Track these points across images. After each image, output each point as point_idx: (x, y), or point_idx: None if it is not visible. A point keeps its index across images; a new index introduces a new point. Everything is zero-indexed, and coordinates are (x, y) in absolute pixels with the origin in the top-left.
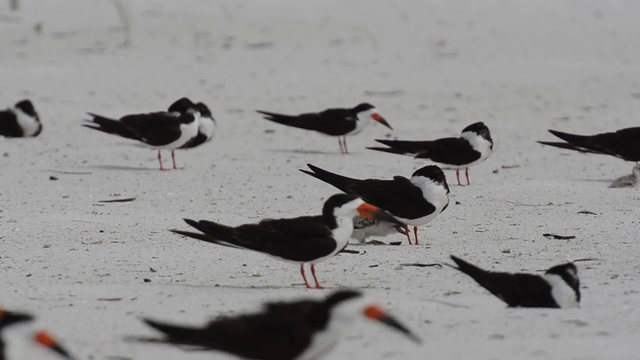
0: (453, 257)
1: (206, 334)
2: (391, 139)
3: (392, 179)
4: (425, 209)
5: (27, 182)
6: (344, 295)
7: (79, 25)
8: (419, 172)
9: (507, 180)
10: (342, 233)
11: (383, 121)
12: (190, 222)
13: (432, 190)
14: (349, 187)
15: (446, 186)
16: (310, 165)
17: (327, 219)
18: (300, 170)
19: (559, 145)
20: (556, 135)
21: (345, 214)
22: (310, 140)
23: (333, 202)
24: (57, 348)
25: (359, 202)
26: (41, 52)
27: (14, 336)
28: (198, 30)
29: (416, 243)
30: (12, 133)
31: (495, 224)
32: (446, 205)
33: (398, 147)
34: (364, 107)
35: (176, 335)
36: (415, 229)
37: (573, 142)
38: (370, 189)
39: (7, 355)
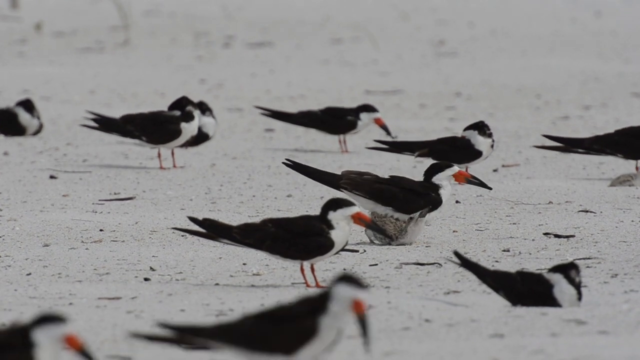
0: (456, 253)
1: (212, 330)
2: (389, 139)
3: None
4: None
5: (27, 181)
6: (342, 278)
7: (79, 25)
8: (438, 169)
9: (507, 179)
10: (339, 235)
11: (385, 128)
12: (193, 219)
13: (447, 191)
14: (341, 184)
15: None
16: (289, 160)
17: (324, 220)
18: (283, 162)
19: (557, 149)
20: (552, 140)
21: (340, 219)
22: (310, 139)
23: (329, 206)
24: (84, 352)
25: (354, 209)
26: (41, 52)
27: (44, 338)
28: (198, 29)
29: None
30: (13, 132)
31: (495, 222)
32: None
33: (397, 147)
34: (368, 108)
35: (182, 333)
36: None
37: (570, 145)
38: (365, 186)
39: (37, 357)
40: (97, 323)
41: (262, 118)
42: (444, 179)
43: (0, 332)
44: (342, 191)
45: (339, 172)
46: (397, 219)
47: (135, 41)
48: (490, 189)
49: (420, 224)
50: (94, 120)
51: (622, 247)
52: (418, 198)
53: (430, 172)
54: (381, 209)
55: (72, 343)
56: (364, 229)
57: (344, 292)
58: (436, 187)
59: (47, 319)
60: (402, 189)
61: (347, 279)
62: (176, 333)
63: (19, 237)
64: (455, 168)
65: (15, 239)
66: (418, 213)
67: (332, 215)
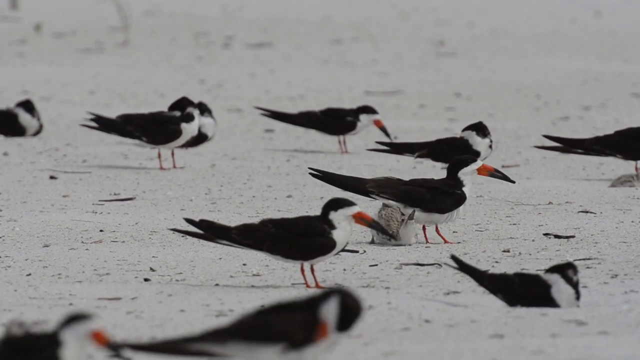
0: (453, 257)
1: (205, 334)
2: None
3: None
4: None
5: (26, 181)
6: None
7: (79, 25)
8: (464, 164)
9: None
10: (341, 234)
11: (384, 130)
12: (190, 221)
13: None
14: (367, 187)
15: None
16: (313, 170)
17: (325, 220)
18: (310, 173)
19: (557, 150)
20: (552, 140)
21: (341, 219)
22: (310, 140)
23: (330, 206)
24: (111, 346)
25: (355, 208)
26: (41, 52)
27: (71, 336)
28: (198, 30)
29: (445, 241)
30: (13, 132)
31: (495, 223)
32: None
33: (398, 148)
34: (368, 110)
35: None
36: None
37: (570, 145)
38: (392, 188)
39: (62, 356)
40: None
41: (262, 118)
42: (469, 174)
43: (31, 336)
44: (370, 196)
45: (340, 173)
46: (402, 215)
47: (135, 41)
48: (514, 182)
49: (410, 226)
50: (94, 120)
51: (622, 247)
52: (445, 197)
53: (456, 167)
54: (410, 211)
55: (99, 339)
56: (365, 227)
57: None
58: (460, 184)
59: (74, 318)
60: (428, 189)
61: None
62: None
63: (18, 238)
64: (480, 162)
65: (15, 240)
66: (407, 216)
67: (334, 215)
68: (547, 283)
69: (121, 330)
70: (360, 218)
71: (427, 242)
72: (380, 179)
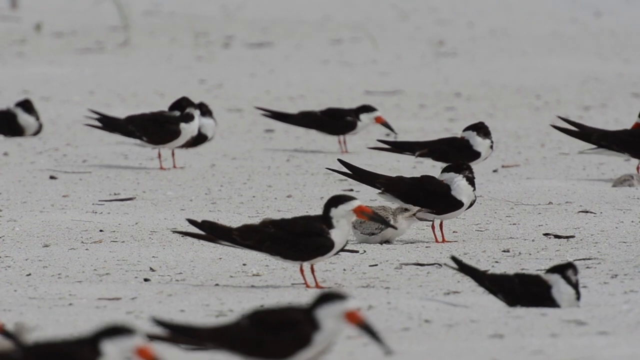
0: (453, 258)
1: (208, 332)
2: (391, 138)
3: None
4: (454, 205)
5: (26, 181)
6: (327, 297)
7: (79, 25)
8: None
9: (507, 180)
10: (339, 234)
11: (387, 125)
12: (192, 221)
13: (460, 187)
14: (376, 182)
15: (473, 183)
16: (340, 161)
17: (325, 219)
18: (327, 168)
19: (571, 133)
20: (561, 131)
21: (341, 215)
22: (310, 140)
23: (330, 203)
24: None
25: (355, 203)
26: (41, 52)
27: (112, 349)
28: (198, 29)
29: (443, 241)
30: (12, 132)
31: (495, 223)
32: (473, 202)
33: (399, 147)
34: (368, 108)
35: (179, 333)
36: (441, 225)
37: (578, 137)
38: (398, 185)
39: None
40: (97, 324)
41: (262, 118)
42: (456, 180)
43: (68, 343)
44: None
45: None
46: (383, 208)
47: (135, 41)
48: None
49: (403, 224)
50: (97, 119)
51: (622, 247)
52: (439, 198)
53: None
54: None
55: (145, 355)
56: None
57: (331, 311)
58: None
59: (117, 331)
60: (425, 190)
61: (327, 297)
62: (170, 333)
63: (18, 238)
64: (459, 178)
65: (15, 240)
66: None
67: (334, 212)
68: (547, 283)
69: None
70: (360, 212)
71: (436, 241)
72: (390, 176)
